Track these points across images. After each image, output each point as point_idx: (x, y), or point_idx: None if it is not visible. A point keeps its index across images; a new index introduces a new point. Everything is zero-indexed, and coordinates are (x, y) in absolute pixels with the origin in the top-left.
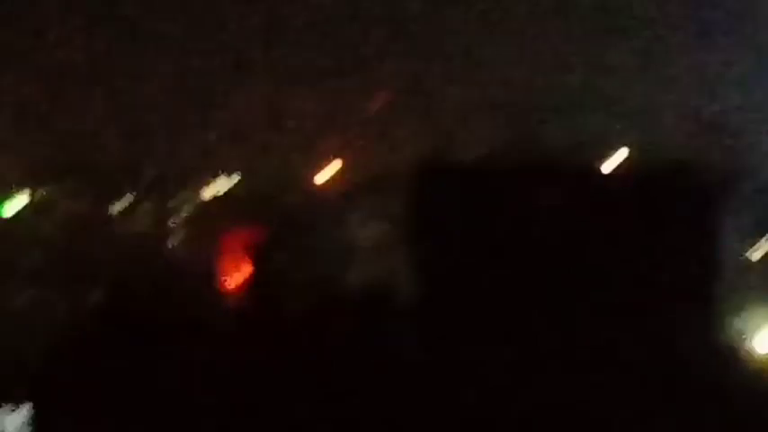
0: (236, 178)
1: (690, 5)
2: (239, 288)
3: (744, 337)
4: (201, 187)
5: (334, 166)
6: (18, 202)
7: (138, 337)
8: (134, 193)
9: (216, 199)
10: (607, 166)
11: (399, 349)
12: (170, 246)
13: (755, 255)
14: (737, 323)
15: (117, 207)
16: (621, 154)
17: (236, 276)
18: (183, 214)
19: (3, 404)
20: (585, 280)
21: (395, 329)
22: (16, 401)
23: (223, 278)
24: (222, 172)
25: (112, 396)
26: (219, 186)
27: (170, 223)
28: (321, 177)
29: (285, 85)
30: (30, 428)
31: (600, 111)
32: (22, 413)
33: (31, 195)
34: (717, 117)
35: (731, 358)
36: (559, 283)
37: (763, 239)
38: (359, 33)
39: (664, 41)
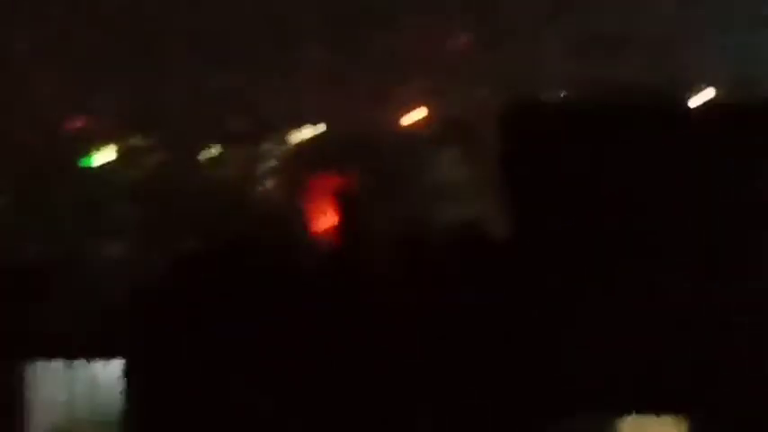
0: (322, 126)
1: None
2: (328, 232)
3: None
4: (289, 134)
5: (421, 111)
6: (106, 153)
7: (230, 285)
8: (223, 142)
9: (303, 145)
10: (696, 104)
11: (488, 291)
12: (259, 192)
13: None
14: None
15: (206, 155)
16: (708, 93)
17: (324, 221)
18: (272, 161)
19: (96, 358)
20: (674, 221)
21: (485, 271)
22: (109, 355)
23: (312, 223)
24: (309, 119)
25: (206, 347)
26: (307, 133)
27: (259, 170)
28: (407, 122)
29: (367, 29)
30: (123, 382)
31: (689, 47)
32: (115, 367)
33: (120, 146)
34: None
35: None
36: (650, 223)
37: None
38: None
39: None
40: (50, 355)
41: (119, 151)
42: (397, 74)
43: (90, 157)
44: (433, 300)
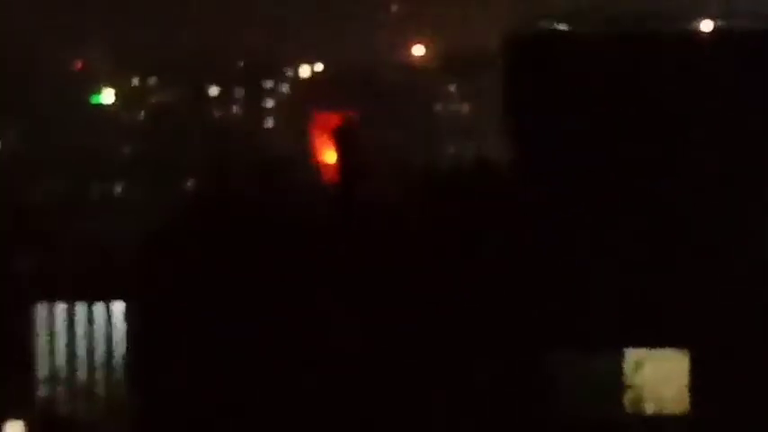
0: (323, 64)
1: None
2: (333, 168)
3: None
4: (291, 72)
5: (421, 47)
6: (111, 92)
7: (235, 226)
8: (226, 81)
9: (306, 82)
10: (701, 32)
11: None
12: (264, 128)
13: None
14: None
15: (209, 93)
16: (707, 25)
17: (328, 155)
18: (275, 99)
19: (96, 300)
20: (683, 153)
21: (488, 204)
22: (110, 297)
23: (316, 159)
24: (312, 56)
25: (208, 291)
26: (310, 70)
27: (263, 107)
28: (409, 58)
29: None
30: (123, 325)
31: None
32: (115, 310)
33: (124, 85)
34: None
35: None
36: (657, 155)
37: None
38: None
39: None
40: (54, 297)
41: (120, 92)
42: (396, 10)
43: (97, 95)
44: (437, 232)
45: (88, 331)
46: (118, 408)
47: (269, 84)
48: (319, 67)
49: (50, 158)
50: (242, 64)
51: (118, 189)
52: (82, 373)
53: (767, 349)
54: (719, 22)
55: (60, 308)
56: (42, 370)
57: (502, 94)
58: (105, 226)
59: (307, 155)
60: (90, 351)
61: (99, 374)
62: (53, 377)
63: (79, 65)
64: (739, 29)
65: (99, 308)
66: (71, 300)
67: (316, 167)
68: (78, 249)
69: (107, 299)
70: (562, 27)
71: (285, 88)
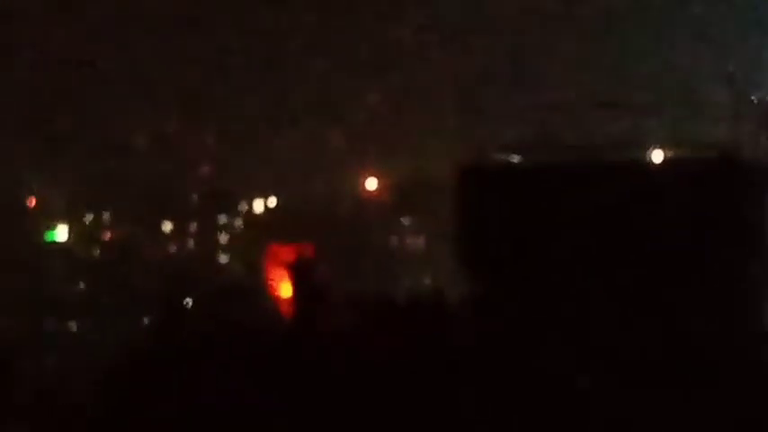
0: (275, 199)
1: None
2: (289, 301)
3: None
4: (246, 206)
5: (373, 181)
6: (64, 229)
7: (191, 360)
8: (181, 216)
9: (261, 216)
10: (649, 163)
11: (451, 352)
12: (219, 263)
13: None
14: None
15: (165, 229)
16: (658, 155)
17: (284, 289)
18: (230, 233)
19: None
20: (630, 274)
21: (446, 333)
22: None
23: (272, 291)
24: (266, 191)
25: (164, 426)
26: (265, 204)
27: (218, 242)
28: (363, 192)
29: (322, 107)
30: None
31: (636, 109)
32: None
33: (77, 223)
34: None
35: None
36: (605, 279)
37: None
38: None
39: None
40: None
41: (74, 229)
42: (352, 145)
43: (52, 232)
44: (391, 363)
45: None
46: None
47: (223, 218)
48: (273, 201)
49: (3, 295)
50: (196, 199)
51: (72, 326)
52: None
53: None
54: (665, 151)
55: None
56: None
57: (456, 225)
58: (60, 362)
59: (262, 288)
60: None
61: None
62: None
63: (33, 202)
64: (684, 157)
65: None
66: None
67: (272, 301)
68: (33, 385)
69: None
70: (514, 158)
71: (239, 222)
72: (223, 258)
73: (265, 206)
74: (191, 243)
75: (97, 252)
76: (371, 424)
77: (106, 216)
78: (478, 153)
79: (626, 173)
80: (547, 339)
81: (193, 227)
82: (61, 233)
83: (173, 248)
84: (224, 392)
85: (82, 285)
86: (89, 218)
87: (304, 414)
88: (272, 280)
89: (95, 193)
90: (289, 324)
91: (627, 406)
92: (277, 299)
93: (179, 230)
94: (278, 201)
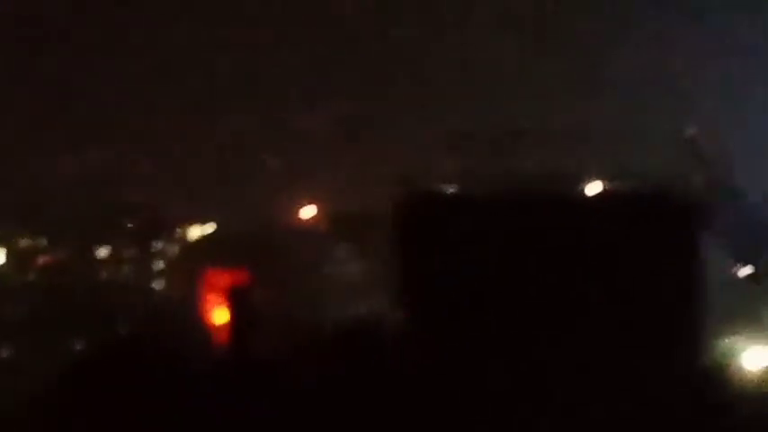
0: (213, 224)
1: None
2: (223, 327)
3: (732, 355)
4: (182, 232)
5: (311, 209)
6: (2, 252)
7: (125, 384)
8: (115, 242)
9: (197, 242)
10: (587, 193)
11: (387, 378)
12: (154, 289)
13: (741, 272)
14: (726, 341)
15: (99, 254)
16: (597, 185)
17: (219, 315)
18: (165, 260)
19: None
20: (570, 303)
21: (380, 362)
22: None
23: (206, 318)
24: (202, 217)
25: None
26: (200, 230)
27: (153, 268)
28: (299, 220)
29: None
30: None
31: (577, 140)
32: None
33: (10, 248)
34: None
35: (720, 376)
36: (545, 308)
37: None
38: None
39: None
40: None
41: (8, 253)
42: (289, 170)
43: None
44: (325, 390)
45: None
46: None
47: (159, 244)
48: (210, 227)
49: None
50: (131, 225)
51: (5, 352)
52: None
53: None
54: (607, 184)
55: None
56: None
57: (391, 253)
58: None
59: (197, 314)
60: None
61: None
62: None
63: None
64: (626, 190)
65: None
66: None
67: (207, 327)
68: None
69: None
70: (450, 188)
71: (175, 249)
72: (157, 284)
73: (202, 232)
74: (126, 269)
75: (31, 277)
76: None
77: (42, 241)
78: (414, 183)
79: (560, 202)
80: (484, 366)
81: (128, 252)
82: None
83: (107, 274)
84: (157, 418)
85: (16, 310)
86: (24, 242)
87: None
88: (207, 305)
89: (31, 217)
90: (223, 350)
91: None
92: (212, 324)
93: (114, 256)
94: (215, 227)
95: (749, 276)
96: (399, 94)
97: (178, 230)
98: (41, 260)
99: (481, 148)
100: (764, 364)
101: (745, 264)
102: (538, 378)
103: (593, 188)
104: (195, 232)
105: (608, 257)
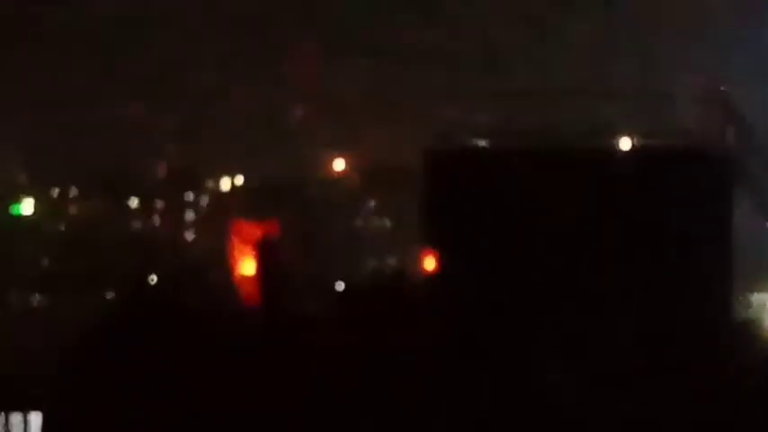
0: (241, 177)
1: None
2: (252, 279)
3: (764, 310)
4: (213, 183)
5: (341, 162)
6: (30, 203)
7: (155, 335)
8: (147, 191)
9: (227, 194)
10: (616, 152)
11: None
12: (185, 240)
13: None
14: (757, 297)
15: (131, 204)
16: (626, 143)
17: (247, 266)
18: (196, 210)
19: (14, 411)
20: (596, 263)
21: (410, 315)
22: (29, 407)
23: (235, 269)
24: (231, 170)
25: (128, 403)
26: (230, 182)
27: (184, 218)
28: (329, 172)
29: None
30: None
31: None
32: (33, 420)
33: (43, 196)
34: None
35: (751, 332)
36: (570, 267)
37: None
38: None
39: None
40: None
41: (40, 203)
42: (318, 122)
43: (17, 205)
44: (356, 345)
45: None
46: None
47: (189, 196)
48: (240, 179)
49: None
50: (162, 176)
51: (37, 300)
52: None
53: None
54: (639, 139)
55: None
56: None
57: (421, 209)
58: (24, 337)
59: (227, 267)
60: None
61: None
62: None
63: None
64: (658, 146)
65: (16, 418)
66: None
67: (236, 279)
68: None
69: (25, 410)
70: (481, 143)
71: (205, 200)
72: (189, 235)
73: (232, 184)
74: (156, 220)
75: (63, 227)
76: (338, 406)
77: (73, 192)
78: (444, 137)
79: (593, 160)
80: (513, 325)
81: (159, 204)
82: (27, 207)
83: (138, 225)
84: (188, 371)
85: (47, 260)
86: (55, 193)
87: (268, 394)
88: (237, 258)
89: (62, 168)
90: (251, 301)
91: (595, 399)
92: (241, 277)
93: (145, 207)
94: (244, 179)
95: None
96: (431, 49)
97: (209, 182)
98: (72, 210)
99: (514, 103)
100: None
101: None
102: (573, 325)
103: (625, 144)
104: (226, 184)
105: (641, 212)
